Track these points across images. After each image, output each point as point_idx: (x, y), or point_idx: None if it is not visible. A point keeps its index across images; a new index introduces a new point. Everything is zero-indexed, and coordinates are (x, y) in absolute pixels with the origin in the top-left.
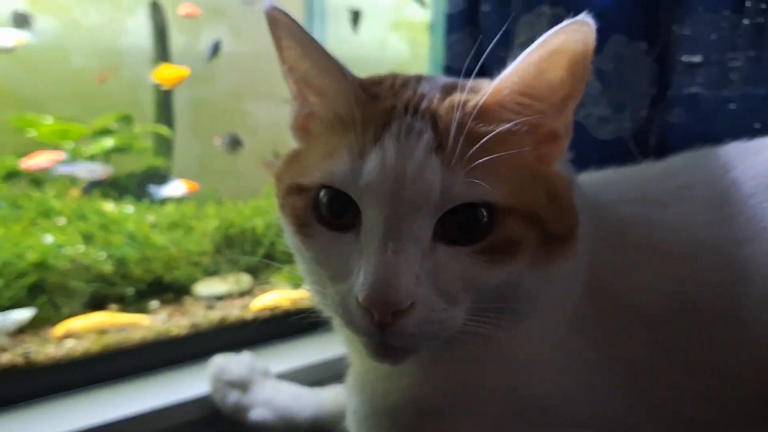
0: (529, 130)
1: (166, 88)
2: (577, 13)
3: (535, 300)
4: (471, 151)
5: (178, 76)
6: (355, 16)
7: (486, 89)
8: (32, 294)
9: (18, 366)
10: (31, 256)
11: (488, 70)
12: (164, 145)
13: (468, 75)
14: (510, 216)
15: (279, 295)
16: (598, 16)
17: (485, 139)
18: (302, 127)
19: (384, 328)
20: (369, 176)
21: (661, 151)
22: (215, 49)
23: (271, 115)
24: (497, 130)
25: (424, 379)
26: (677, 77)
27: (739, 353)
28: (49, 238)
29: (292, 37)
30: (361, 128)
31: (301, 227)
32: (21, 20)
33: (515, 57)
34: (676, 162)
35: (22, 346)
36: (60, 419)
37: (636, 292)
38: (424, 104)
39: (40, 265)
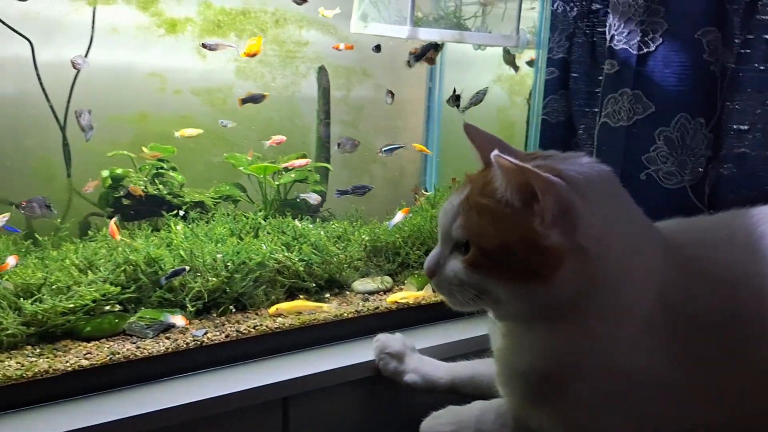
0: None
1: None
2: (651, 95)
3: (489, 293)
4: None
5: None
6: (457, 98)
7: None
8: (255, 285)
9: (251, 334)
10: (256, 259)
11: (576, 123)
12: (324, 175)
13: (560, 127)
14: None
15: (407, 293)
16: (669, 100)
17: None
18: None
19: (431, 279)
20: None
21: (714, 196)
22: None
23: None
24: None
25: (538, 356)
26: (729, 140)
27: (764, 346)
28: (264, 246)
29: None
30: None
31: None
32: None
33: (600, 123)
34: (724, 217)
35: (251, 320)
36: (281, 371)
37: (694, 305)
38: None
39: (260, 265)
